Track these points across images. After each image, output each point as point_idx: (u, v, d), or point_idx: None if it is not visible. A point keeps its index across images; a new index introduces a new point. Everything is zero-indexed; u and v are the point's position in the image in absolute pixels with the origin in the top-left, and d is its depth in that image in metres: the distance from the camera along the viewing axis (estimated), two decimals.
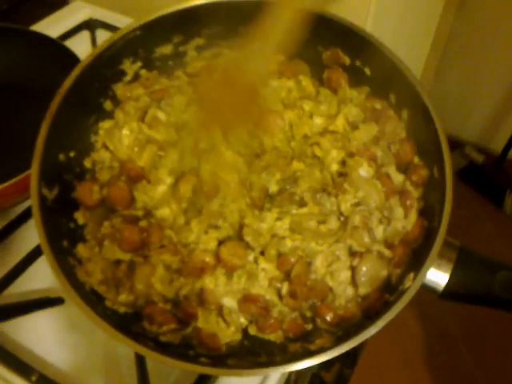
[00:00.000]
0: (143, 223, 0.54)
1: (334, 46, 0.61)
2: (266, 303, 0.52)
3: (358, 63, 0.60)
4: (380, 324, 0.45)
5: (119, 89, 0.61)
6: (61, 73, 0.55)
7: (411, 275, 0.48)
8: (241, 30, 0.59)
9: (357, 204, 0.55)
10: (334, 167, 0.58)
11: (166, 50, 0.63)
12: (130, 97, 0.60)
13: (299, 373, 0.60)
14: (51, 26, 0.97)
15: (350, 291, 0.52)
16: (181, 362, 0.45)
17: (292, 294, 0.52)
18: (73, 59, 0.74)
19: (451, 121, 2.02)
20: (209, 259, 0.52)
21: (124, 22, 1.01)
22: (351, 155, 0.58)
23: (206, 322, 0.51)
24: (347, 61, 0.61)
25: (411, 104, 0.56)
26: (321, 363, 0.44)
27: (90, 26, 1.01)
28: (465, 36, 1.66)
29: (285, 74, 0.63)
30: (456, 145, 2.06)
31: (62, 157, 0.55)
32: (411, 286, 0.47)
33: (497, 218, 1.94)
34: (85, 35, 1.00)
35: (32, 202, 0.49)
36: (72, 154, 0.57)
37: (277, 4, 0.50)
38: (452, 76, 1.87)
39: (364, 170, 0.56)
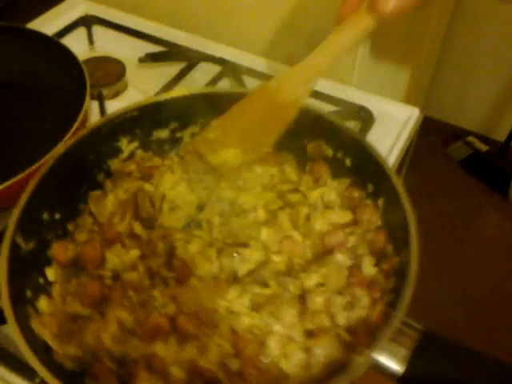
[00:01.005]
0: (108, 281, 0.57)
1: (318, 139, 0.68)
2: (215, 379, 0.52)
3: (339, 155, 0.67)
4: None
5: (114, 164, 0.68)
6: (58, 71, 0.61)
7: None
8: None
9: (320, 284, 0.57)
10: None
11: (163, 134, 0.71)
12: (122, 171, 0.67)
13: None
14: (47, 24, 1.02)
15: (304, 374, 0.52)
16: None
17: (240, 375, 0.52)
18: (69, 57, 0.78)
19: (454, 111, 2.07)
20: (164, 324, 0.54)
21: (120, 17, 1.07)
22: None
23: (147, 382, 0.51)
24: (330, 153, 0.67)
25: (387, 193, 0.60)
26: None
27: (87, 22, 1.06)
28: (465, 24, 1.72)
29: (270, 163, 0.69)
30: (459, 135, 2.10)
31: (46, 216, 0.61)
32: (353, 369, 0.47)
33: (502, 207, 1.95)
34: (81, 32, 1.05)
35: (3, 248, 0.53)
36: (57, 216, 0.62)
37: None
38: (453, 66, 1.91)
39: (340, 257, 0.59)
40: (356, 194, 0.64)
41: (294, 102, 0.61)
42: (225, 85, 0.97)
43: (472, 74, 1.98)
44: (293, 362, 0.52)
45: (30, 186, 0.58)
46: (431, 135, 1.86)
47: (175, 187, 0.66)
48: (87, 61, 0.93)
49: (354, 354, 0.50)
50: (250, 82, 0.96)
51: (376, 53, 1.05)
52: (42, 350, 0.51)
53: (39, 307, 0.55)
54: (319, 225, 0.62)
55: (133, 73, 0.96)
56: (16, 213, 0.56)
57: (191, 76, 0.97)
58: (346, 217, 0.62)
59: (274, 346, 0.53)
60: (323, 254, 0.59)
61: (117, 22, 1.07)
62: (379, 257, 0.59)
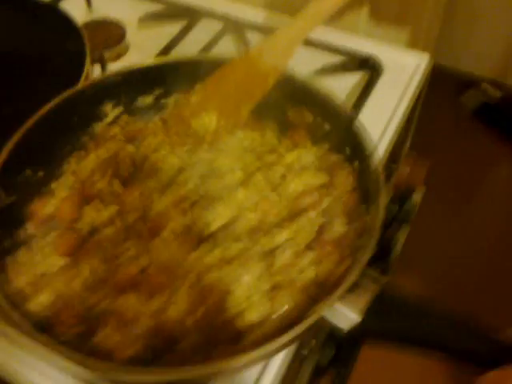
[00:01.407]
0: (84, 234, 0.60)
1: (299, 105, 0.69)
2: (180, 330, 0.54)
3: (318, 120, 0.68)
4: None
5: (99, 128, 0.71)
6: (56, 36, 0.64)
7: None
8: None
9: (291, 239, 0.58)
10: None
11: (148, 100, 0.73)
12: (106, 134, 0.70)
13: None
14: None
15: (268, 324, 0.54)
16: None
17: (203, 324, 0.53)
18: (67, 21, 0.79)
19: (466, 56, 2.02)
20: (135, 274, 0.56)
21: None
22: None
23: (114, 332, 0.53)
24: (310, 118, 0.69)
25: (361, 156, 0.62)
26: None
27: None
28: None
29: (251, 128, 0.70)
30: (472, 82, 2.06)
31: (28, 172, 0.64)
32: (309, 319, 0.48)
33: None
34: None
35: None
36: (40, 174, 0.65)
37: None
38: (463, 12, 1.88)
39: (312, 216, 0.61)
40: (334, 157, 0.66)
41: (274, 69, 0.63)
42: (227, 42, 0.98)
43: (483, 17, 1.92)
44: (257, 311, 0.53)
45: (13, 140, 0.60)
46: (442, 84, 1.81)
47: (157, 150, 0.68)
48: (86, 24, 0.95)
49: (316, 305, 0.51)
50: (254, 38, 0.96)
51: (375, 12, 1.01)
52: (17, 301, 0.54)
53: (18, 258, 0.58)
54: (295, 185, 0.63)
55: (133, 34, 0.97)
56: None
57: (193, 34, 0.98)
58: (321, 178, 0.64)
59: (240, 294, 0.54)
60: (297, 213, 0.61)
61: None
62: (352, 216, 0.60)
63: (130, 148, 0.68)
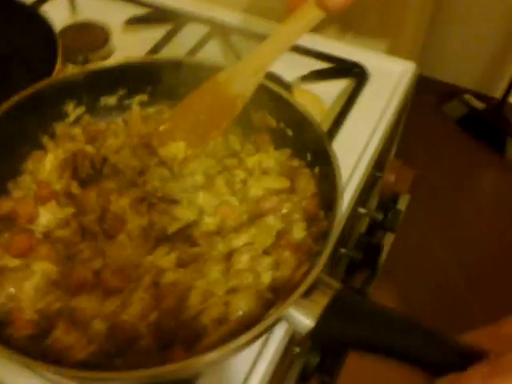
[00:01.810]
0: (38, 235, 0.59)
1: (262, 110, 0.68)
2: (134, 334, 0.52)
3: (281, 125, 0.67)
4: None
5: (60, 128, 0.68)
6: (28, 35, 0.62)
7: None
8: (179, 92, 0.68)
9: (248, 244, 0.58)
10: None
11: (111, 100, 0.71)
12: (67, 134, 0.68)
13: None
14: None
15: (222, 328, 0.52)
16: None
17: (158, 327, 0.52)
18: (39, 21, 0.77)
19: (449, 68, 2.08)
20: (89, 277, 0.55)
21: None
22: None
23: (65, 335, 0.52)
24: (273, 123, 0.68)
25: (322, 161, 0.61)
26: None
27: None
28: None
29: None
30: (455, 93, 2.12)
31: None
32: (263, 323, 0.47)
33: (500, 164, 1.98)
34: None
35: None
36: None
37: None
38: (449, 23, 1.92)
39: (272, 220, 0.60)
40: (295, 163, 0.66)
41: (242, 95, 0.62)
42: (213, 46, 0.96)
43: (467, 31, 2.04)
44: (212, 315, 0.53)
45: None
46: (427, 94, 1.84)
47: (118, 151, 0.67)
48: (70, 26, 0.94)
49: (271, 309, 0.51)
50: (239, 42, 0.96)
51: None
52: None
53: None
54: (255, 189, 0.63)
55: (119, 37, 0.95)
56: None
57: (178, 38, 0.97)
58: (282, 183, 0.64)
59: (195, 299, 0.54)
60: (257, 217, 0.60)
61: None
62: (311, 222, 0.60)
63: (90, 149, 0.66)
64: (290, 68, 0.86)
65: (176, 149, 0.65)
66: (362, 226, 0.98)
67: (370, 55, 0.94)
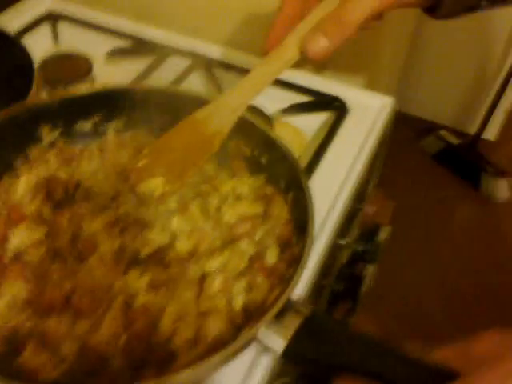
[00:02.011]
0: (6, 260, 0.58)
1: (237, 138, 0.68)
2: (105, 355, 0.52)
3: (255, 153, 0.68)
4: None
5: (34, 151, 0.68)
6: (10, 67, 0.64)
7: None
8: (156, 118, 0.69)
9: (221, 268, 0.58)
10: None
11: (86, 126, 0.71)
12: (41, 158, 0.67)
13: None
14: (11, 19, 1.00)
15: (192, 351, 0.52)
16: None
17: (128, 349, 0.52)
18: (23, 52, 0.78)
19: (426, 105, 2.14)
20: (59, 299, 0.54)
21: (85, 13, 1.06)
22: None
23: (34, 356, 0.51)
24: (247, 151, 0.69)
25: (295, 188, 0.62)
26: None
27: (52, 18, 1.04)
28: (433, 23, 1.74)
29: None
30: (432, 129, 2.17)
31: None
32: (235, 343, 0.48)
33: (475, 198, 2.02)
34: (46, 28, 1.03)
35: None
36: None
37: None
38: (425, 62, 1.98)
39: (245, 245, 0.60)
40: (269, 190, 0.66)
41: (220, 132, 0.62)
42: (195, 79, 0.97)
43: (442, 69, 2.04)
44: (184, 337, 0.53)
45: None
46: (404, 129, 1.90)
47: (92, 177, 0.67)
48: (53, 56, 0.92)
49: (241, 332, 0.52)
50: (221, 75, 0.97)
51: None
52: None
53: None
54: (229, 215, 0.63)
55: (100, 69, 0.94)
56: None
57: (160, 71, 0.97)
58: (256, 209, 0.64)
59: (166, 322, 0.53)
60: (230, 241, 0.61)
61: (82, 17, 1.07)
62: (284, 247, 0.61)
63: (63, 173, 0.66)
64: (271, 101, 0.87)
65: (154, 185, 0.64)
66: (343, 258, 0.96)
67: (350, 89, 0.95)
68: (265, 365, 0.59)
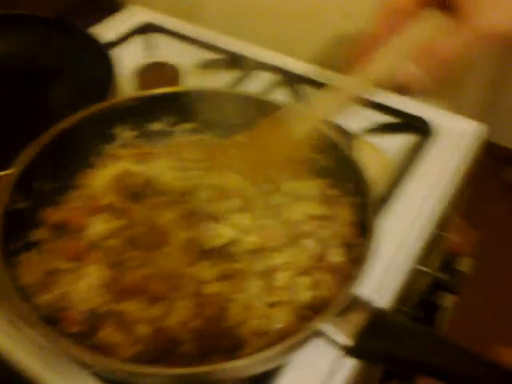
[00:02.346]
0: (88, 243, 0.61)
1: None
2: (176, 339, 0.54)
3: (323, 159, 0.69)
4: None
5: (110, 148, 0.72)
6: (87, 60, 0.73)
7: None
8: (228, 122, 0.71)
9: (287, 264, 0.59)
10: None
11: (159, 126, 0.75)
12: (114, 155, 0.72)
13: None
14: (107, 30, 1.05)
15: (260, 341, 0.54)
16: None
17: (199, 334, 0.54)
18: (100, 49, 0.85)
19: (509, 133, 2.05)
20: (136, 284, 0.57)
21: (177, 25, 1.10)
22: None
23: (111, 335, 0.54)
24: (315, 156, 0.69)
25: (360, 193, 0.63)
26: None
27: (146, 29, 1.09)
28: None
29: None
30: None
31: (43, 182, 0.64)
32: (299, 334, 0.49)
33: None
34: (140, 39, 1.08)
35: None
36: (53, 185, 0.66)
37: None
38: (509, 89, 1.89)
39: (310, 243, 0.61)
40: (335, 191, 0.68)
41: (299, 139, 0.63)
42: (280, 94, 0.97)
43: None
44: (252, 327, 0.55)
45: (30, 152, 0.62)
46: (487, 157, 1.79)
47: (164, 173, 0.70)
48: (144, 66, 0.98)
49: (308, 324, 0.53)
50: (305, 91, 0.96)
51: None
52: (25, 296, 0.54)
53: (27, 258, 0.59)
54: (295, 214, 0.64)
55: (189, 80, 0.98)
56: (15, 173, 0.60)
57: (246, 84, 0.99)
58: (321, 210, 0.66)
59: (235, 311, 0.56)
60: (295, 239, 0.62)
61: (174, 29, 1.11)
62: (349, 247, 0.62)
63: (139, 168, 0.70)
64: (354, 119, 0.86)
65: (228, 178, 0.66)
66: (423, 285, 0.92)
67: (436, 112, 0.92)
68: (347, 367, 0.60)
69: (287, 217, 0.64)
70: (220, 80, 0.98)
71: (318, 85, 0.96)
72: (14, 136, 0.72)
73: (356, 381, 0.61)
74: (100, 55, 0.85)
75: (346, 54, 0.63)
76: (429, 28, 0.57)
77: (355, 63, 0.60)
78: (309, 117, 0.62)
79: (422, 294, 0.92)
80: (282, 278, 0.58)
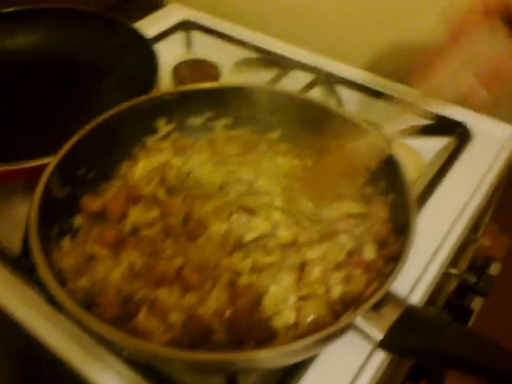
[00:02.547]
0: (126, 231, 0.63)
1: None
2: (208, 328, 0.55)
3: None
4: None
5: (150, 141, 0.74)
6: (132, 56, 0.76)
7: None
8: (263, 119, 0.73)
9: (320, 258, 0.60)
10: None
11: (198, 121, 0.76)
12: (156, 147, 0.73)
13: None
14: (149, 26, 1.07)
15: (291, 333, 0.54)
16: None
17: (231, 324, 0.55)
18: (145, 44, 0.87)
19: None
20: (171, 272, 0.58)
21: (217, 23, 1.13)
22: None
23: (146, 321, 0.54)
24: None
25: (396, 191, 0.64)
26: None
27: (186, 27, 1.12)
28: None
29: (292, 154, 0.73)
30: None
31: (83, 170, 0.66)
32: (332, 327, 0.49)
33: None
34: (180, 36, 1.11)
35: (37, 190, 0.59)
36: (93, 174, 0.68)
37: None
38: None
39: (344, 239, 0.62)
40: (369, 189, 0.68)
41: (366, 167, 0.66)
42: (316, 93, 0.98)
43: None
44: (283, 319, 0.55)
45: (73, 140, 0.63)
46: None
47: (201, 167, 0.71)
48: (184, 62, 1.00)
49: (340, 317, 0.54)
50: (343, 93, 0.97)
51: None
52: (62, 280, 0.56)
53: (62, 245, 0.61)
54: (328, 211, 0.65)
55: (228, 77, 1.00)
56: (55, 161, 0.61)
57: (283, 83, 0.99)
58: (356, 208, 0.66)
59: (267, 303, 0.56)
60: (329, 235, 0.63)
61: (214, 27, 1.13)
62: (382, 245, 0.62)
63: (177, 161, 0.71)
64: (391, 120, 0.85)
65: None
66: (451, 286, 0.94)
67: (474, 116, 0.91)
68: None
69: (322, 214, 0.65)
70: (257, 79, 0.98)
71: (355, 86, 0.96)
72: (59, 127, 0.72)
73: (385, 374, 0.61)
74: (145, 50, 0.87)
75: (409, 64, 0.62)
76: (495, 45, 0.57)
77: (420, 74, 0.60)
78: (382, 144, 0.64)
79: (450, 296, 0.91)
80: (314, 272, 0.58)
